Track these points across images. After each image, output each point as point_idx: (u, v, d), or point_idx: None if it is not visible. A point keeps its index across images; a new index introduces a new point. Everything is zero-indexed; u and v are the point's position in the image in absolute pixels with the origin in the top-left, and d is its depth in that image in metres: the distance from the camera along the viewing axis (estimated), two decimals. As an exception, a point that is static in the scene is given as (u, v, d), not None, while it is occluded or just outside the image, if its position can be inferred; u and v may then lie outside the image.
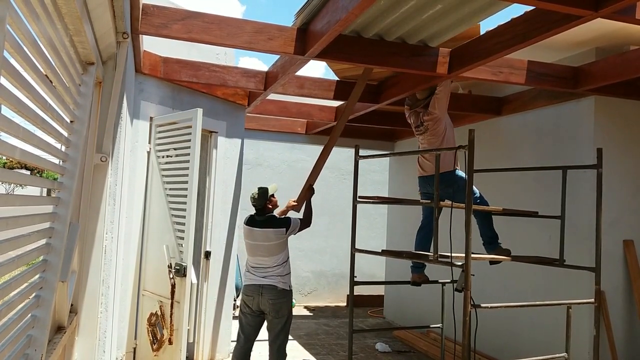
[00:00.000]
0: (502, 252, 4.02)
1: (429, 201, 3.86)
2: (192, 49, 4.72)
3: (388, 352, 5.89)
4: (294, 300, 8.47)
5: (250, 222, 4.11)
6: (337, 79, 4.95)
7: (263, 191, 4.11)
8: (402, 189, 7.39)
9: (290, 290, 4.06)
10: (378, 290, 8.36)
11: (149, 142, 4.44)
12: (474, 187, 4.05)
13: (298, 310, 8.24)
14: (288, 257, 4.10)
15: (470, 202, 3.22)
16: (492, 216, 4.12)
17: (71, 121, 2.00)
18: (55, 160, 1.89)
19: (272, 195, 4.17)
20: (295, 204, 4.45)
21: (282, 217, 4.16)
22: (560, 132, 4.66)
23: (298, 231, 4.13)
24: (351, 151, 7.30)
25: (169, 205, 4.17)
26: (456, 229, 3.48)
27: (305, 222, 4.23)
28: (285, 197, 8.62)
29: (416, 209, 5.76)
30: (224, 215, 5.28)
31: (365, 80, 4.48)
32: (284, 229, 4.00)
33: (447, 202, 3.69)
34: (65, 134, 1.91)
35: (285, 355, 4.06)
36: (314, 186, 4.57)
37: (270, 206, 4.14)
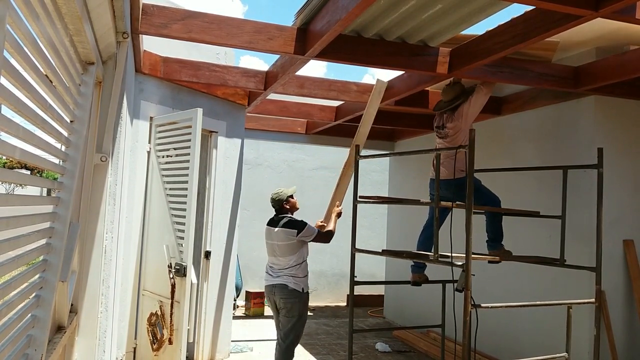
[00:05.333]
0: (503, 252, 4.02)
1: (431, 201, 3.86)
2: (192, 49, 4.72)
3: (388, 352, 5.89)
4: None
5: (269, 222, 4.28)
6: (337, 79, 4.95)
7: (279, 193, 4.26)
8: (402, 189, 7.39)
9: (305, 293, 4.09)
10: (378, 290, 8.36)
11: (149, 142, 4.44)
12: (488, 188, 4.09)
13: (298, 310, 8.23)
14: (304, 260, 4.15)
15: (471, 202, 3.22)
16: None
17: (71, 121, 1.99)
18: (55, 160, 1.89)
19: (291, 197, 4.29)
20: (323, 223, 4.45)
21: (299, 220, 4.17)
22: (560, 131, 4.66)
23: (313, 241, 4.14)
24: (351, 151, 7.29)
25: (169, 205, 4.17)
26: (457, 229, 3.48)
27: (324, 236, 4.22)
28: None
29: (416, 209, 5.76)
30: (224, 215, 5.28)
31: (381, 93, 4.46)
32: (296, 231, 4.05)
33: (449, 202, 3.69)
34: (65, 133, 1.91)
35: (292, 356, 4.08)
36: (341, 208, 4.49)
37: (288, 207, 4.26)
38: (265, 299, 4.30)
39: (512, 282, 5.04)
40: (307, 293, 4.13)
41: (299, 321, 4.06)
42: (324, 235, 4.21)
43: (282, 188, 4.33)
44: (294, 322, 4.04)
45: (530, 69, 4.08)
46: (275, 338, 4.19)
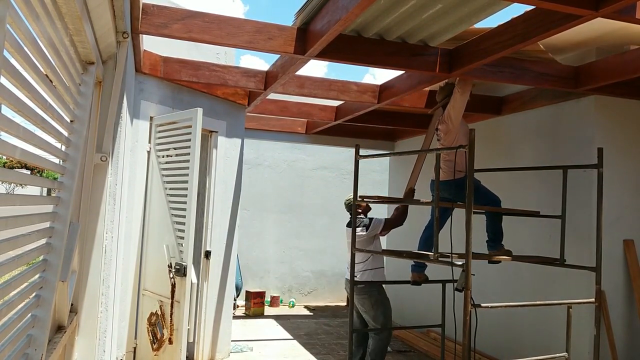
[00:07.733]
0: (503, 252, 4.02)
1: (431, 201, 3.86)
2: (192, 49, 4.72)
3: (388, 352, 5.89)
4: (292, 300, 8.49)
5: (347, 224, 4.82)
6: (337, 78, 4.95)
7: (350, 199, 4.71)
8: (402, 189, 7.36)
9: (374, 287, 4.42)
10: (378, 290, 8.35)
11: (149, 142, 4.44)
12: (487, 188, 4.10)
13: (298, 310, 8.24)
14: (371, 257, 4.50)
15: (471, 202, 3.22)
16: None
17: (71, 121, 2.00)
18: (56, 160, 1.89)
19: (362, 200, 4.63)
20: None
21: (367, 218, 4.64)
22: (560, 131, 4.66)
23: (384, 230, 4.57)
24: (351, 151, 7.30)
25: (169, 204, 4.17)
26: (457, 229, 3.48)
27: (393, 221, 4.66)
28: (282, 196, 8.63)
29: (416, 209, 5.76)
30: (224, 215, 5.28)
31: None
32: (364, 228, 4.53)
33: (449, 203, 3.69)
34: (66, 133, 1.91)
35: (380, 346, 4.47)
36: (414, 188, 4.94)
37: (360, 210, 4.71)
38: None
39: (512, 282, 5.04)
40: (378, 287, 4.49)
41: (377, 314, 4.45)
42: (392, 220, 4.65)
43: (352, 194, 4.74)
44: (372, 315, 4.50)
45: (530, 69, 4.08)
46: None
